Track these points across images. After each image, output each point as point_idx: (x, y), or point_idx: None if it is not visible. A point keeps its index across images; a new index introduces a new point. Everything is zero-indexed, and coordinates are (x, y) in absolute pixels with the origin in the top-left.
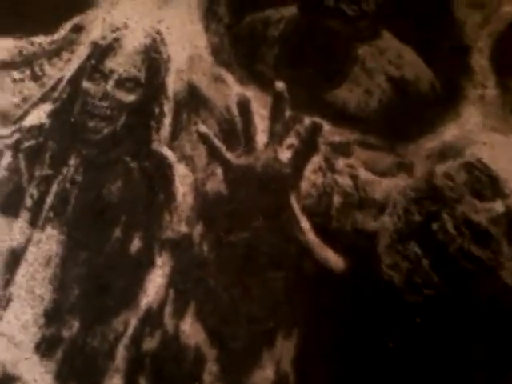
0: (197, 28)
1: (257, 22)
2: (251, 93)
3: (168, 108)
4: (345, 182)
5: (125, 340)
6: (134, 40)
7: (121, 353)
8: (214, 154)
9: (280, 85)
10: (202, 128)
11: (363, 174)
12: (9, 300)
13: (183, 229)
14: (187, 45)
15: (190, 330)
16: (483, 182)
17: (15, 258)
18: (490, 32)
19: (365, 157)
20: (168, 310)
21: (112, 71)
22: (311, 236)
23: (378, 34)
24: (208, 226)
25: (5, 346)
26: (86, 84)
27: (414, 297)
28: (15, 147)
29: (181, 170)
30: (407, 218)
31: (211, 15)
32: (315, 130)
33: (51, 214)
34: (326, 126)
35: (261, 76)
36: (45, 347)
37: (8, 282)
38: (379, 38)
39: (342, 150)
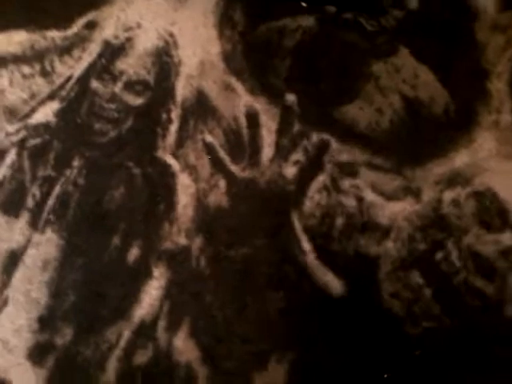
0: (210, 33)
1: (272, 31)
2: (260, 104)
3: (175, 114)
4: (349, 203)
5: (117, 351)
6: (146, 41)
7: (113, 364)
8: (218, 165)
9: (290, 98)
10: (208, 138)
11: (369, 196)
12: (5, 303)
13: (182, 240)
14: (199, 50)
15: (183, 346)
16: (492, 212)
17: (13, 259)
18: (510, 56)
19: (372, 178)
20: (162, 323)
21: (122, 72)
22: (311, 257)
23: (394, 50)
24: (207, 239)
25: None
26: (94, 84)
27: (413, 328)
28: (20, 145)
29: (184, 180)
30: (411, 245)
31: (226, 21)
32: (323, 147)
33: (52, 217)
34: (334, 144)
35: (272, 87)
36: (37, 354)
37: (5, 284)
38: (395, 56)
39: (349, 169)
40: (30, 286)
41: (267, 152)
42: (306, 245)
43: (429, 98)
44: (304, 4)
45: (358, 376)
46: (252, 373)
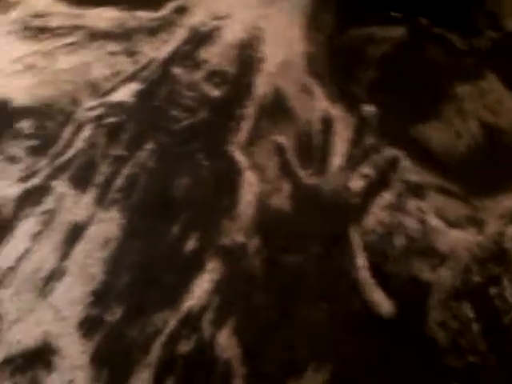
0: (297, 32)
1: (359, 38)
2: (337, 111)
3: (251, 111)
4: (412, 225)
5: (162, 337)
6: (232, 32)
7: (156, 349)
8: (285, 168)
9: (368, 109)
10: (280, 139)
11: (432, 220)
12: (63, 273)
13: (240, 238)
14: (283, 48)
15: (226, 343)
16: None
17: (76, 232)
18: None
19: (438, 203)
20: (208, 317)
21: (205, 61)
22: (365, 274)
23: (482, 74)
24: (264, 241)
25: (51, 317)
26: (176, 70)
27: (456, 360)
28: (97, 121)
29: (249, 178)
30: (466, 276)
31: (314, 22)
32: (393, 164)
33: (117, 196)
34: (406, 162)
35: (351, 96)
36: (87, 327)
37: (65, 255)
38: (483, 79)
39: (417, 191)
40: (88, 260)
41: (336, 161)
42: (362, 261)
43: (510, 127)
44: (395, 14)
45: None
46: (288, 378)
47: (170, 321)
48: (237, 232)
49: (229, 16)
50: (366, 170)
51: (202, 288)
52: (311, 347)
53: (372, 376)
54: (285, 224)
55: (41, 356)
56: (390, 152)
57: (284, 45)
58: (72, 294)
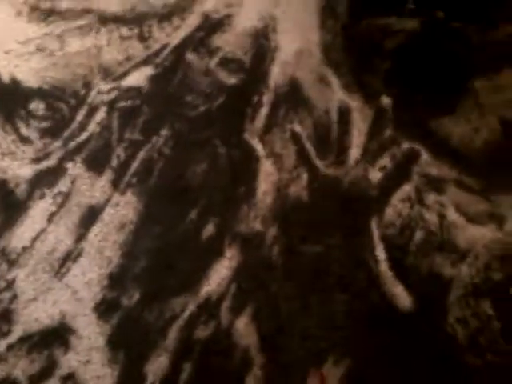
0: (311, 21)
1: (375, 27)
2: (354, 102)
3: (267, 99)
4: (431, 219)
5: (179, 322)
6: (246, 20)
7: (173, 334)
8: (303, 157)
9: (385, 100)
10: (297, 128)
11: (452, 215)
12: (79, 254)
13: (257, 226)
14: (298, 37)
15: (244, 330)
16: None
17: (92, 215)
18: None
19: (457, 198)
20: (226, 304)
21: (218, 48)
22: (384, 267)
23: (500, 69)
24: (282, 230)
25: (67, 298)
26: (190, 56)
27: (474, 358)
28: (111, 105)
29: (267, 167)
30: (486, 273)
31: (329, 10)
32: (412, 157)
33: (134, 180)
34: (425, 156)
35: (367, 87)
36: (103, 309)
37: (81, 237)
38: (500, 74)
39: (436, 184)
40: (104, 243)
41: (354, 152)
42: (381, 253)
43: None
44: (412, 6)
45: None
46: (307, 370)
47: (188, 306)
48: (254, 220)
49: (242, 4)
50: (385, 162)
51: (220, 274)
52: (330, 340)
53: (391, 371)
54: (303, 214)
55: (57, 335)
56: (408, 145)
57: (299, 34)
58: (88, 276)
